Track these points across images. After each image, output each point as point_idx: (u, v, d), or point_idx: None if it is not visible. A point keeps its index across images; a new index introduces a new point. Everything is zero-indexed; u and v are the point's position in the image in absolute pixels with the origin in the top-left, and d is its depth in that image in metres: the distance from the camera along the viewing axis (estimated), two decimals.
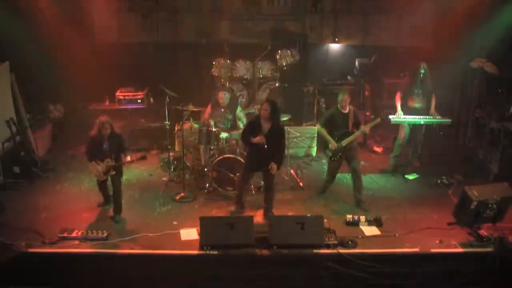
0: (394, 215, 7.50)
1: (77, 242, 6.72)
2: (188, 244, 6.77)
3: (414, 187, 8.52)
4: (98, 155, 7.20)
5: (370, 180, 8.57)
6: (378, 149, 9.99)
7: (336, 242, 6.66)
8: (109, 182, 7.43)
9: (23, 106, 9.35)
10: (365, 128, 7.78)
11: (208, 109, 8.83)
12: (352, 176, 7.83)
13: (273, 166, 7.12)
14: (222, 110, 8.56)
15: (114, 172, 7.24)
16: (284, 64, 9.81)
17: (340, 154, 7.74)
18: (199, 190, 8.31)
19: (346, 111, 7.73)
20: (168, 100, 8.45)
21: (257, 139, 7.06)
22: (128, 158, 7.23)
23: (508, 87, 9.16)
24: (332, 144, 7.68)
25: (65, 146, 10.05)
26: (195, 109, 8.76)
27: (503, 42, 9.38)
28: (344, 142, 7.66)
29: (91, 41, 10.44)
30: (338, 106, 7.75)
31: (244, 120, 8.70)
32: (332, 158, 7.81)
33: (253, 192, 8.09)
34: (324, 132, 7.82)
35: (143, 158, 7.36)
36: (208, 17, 10.72)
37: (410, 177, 8.82)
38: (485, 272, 6.52)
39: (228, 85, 9.74)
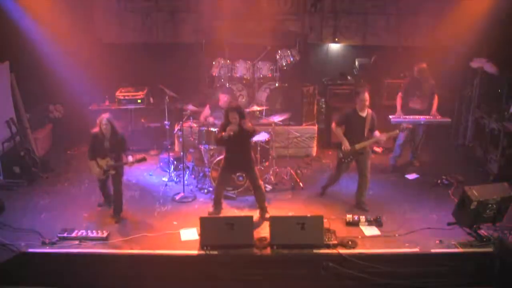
0: (394, 215, 7.50)
1: (77, 242, 6.73)
2: (188, 244, 6.77)
3: (414, 187, 8.52)
4: (99, 153, 7.21)
5: (370, 180, 8.56)
6: (378, 149, 9.99)
7: (336, 242, 6.66)
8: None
9: (23, 106, 9.36)
10: (382, 137, 7.56)
11: (206, 110, 8.83)
12: (359, 179, 7.75)
13: (232, 127, 7.07)
14: (222, 111, 8.56)
15: (113, 172, 7.24)
16: (284, 64, 9.81)
17: (351, 156, 7.66)
18: (199, 190, 8.32)
19: (364, 114, 7.53)
20: (168, 100, 8.46)
21: (229, 129, 7.10)
22: (130, 158, 7.22)
23: (508, 87, 9.16)
24: (345, 146, 7.55)
25: (65, 146, 10.06)
26: (195, 109, 8.77)
27: (503, 42, 9.37)
28: (357, 146, 7.53)
29: (91, 41, 10.43)
30: (357, 107, 7.54)
31: None
32: (343, 160, 7.71)
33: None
34: (339, 132, 7.65)
35: (143, 160, 7.35)
36: (208, 17, 10.71)
37: (410, 177, 8.82)
38: (485, 272, 6.52)
39: (228, 85, 9.75)
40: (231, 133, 7.10)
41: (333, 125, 7.76)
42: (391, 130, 7.83)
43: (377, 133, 7.59)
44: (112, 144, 7.19)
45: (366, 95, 7.47)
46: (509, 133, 8.35)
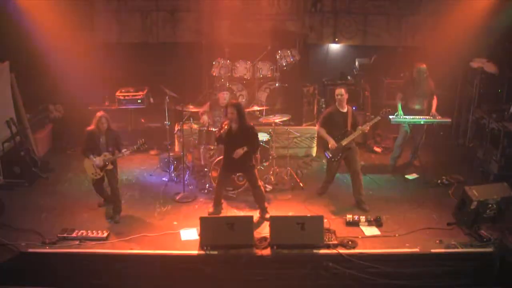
0: (394, 215, 7.50)
1: (77, 242, 6.73)
2: (188, 244, 6.78)
3: (414, 187, 8.52)
4: (94, 150, 7.24)
5: (370, 180, 8.57)
6: (378, 149, 9.99)
7: (336, 242, 6.67)
8: (106, 183, 7.46)
9: (23, 106, 9.35)
10: (365, 127, 7.77)
11: (205, 107, 8.83)
12: (352, 177, 7.81)
13: (238, 150, 7.11)
14: (222, 110, 8.56)
15: (111, 166, 7.27)
16: (284, 64, 9.80)
17: (340, 154, 7.73)
18: (199, 190, 8.32)
19: (345, 110, 7.70)
20: (168, 100, 8.46)
21: (224, 124, 7.17)
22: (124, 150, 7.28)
23: (508, 87, 9.17)
24: (332, 144, 7.65)
25: (65, 146, 10.05)
26: (195, 109, 8.77)
27: (503, 42, 9.38)
28: (344, 142, 7.64)
29: (91, 41, 10.43)
30: (336, 104, 7.74)
31: None
32: (332, 159, 7.78)
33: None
34: (323, 132, 7.78)
35: (143, 145, 7.34)
36: (208, 17, 10.71)
37: (410, 177, 8.82)
38: (485, 272, 6.53)
39: (228, 85, 9.75)
40: (226, 127, 7.12)
41: (317, 126, 7.93)
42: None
43: (359, 127, 7.73)
44: (108, 139, 7.25)
45: (341, 90, 7.69)
46: (509, 133, 8.35)
